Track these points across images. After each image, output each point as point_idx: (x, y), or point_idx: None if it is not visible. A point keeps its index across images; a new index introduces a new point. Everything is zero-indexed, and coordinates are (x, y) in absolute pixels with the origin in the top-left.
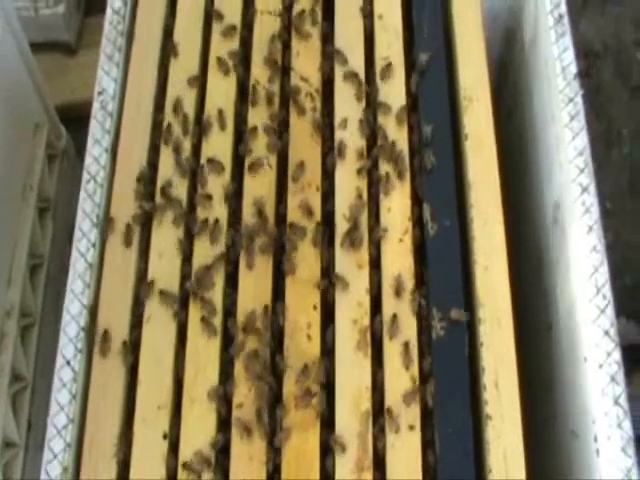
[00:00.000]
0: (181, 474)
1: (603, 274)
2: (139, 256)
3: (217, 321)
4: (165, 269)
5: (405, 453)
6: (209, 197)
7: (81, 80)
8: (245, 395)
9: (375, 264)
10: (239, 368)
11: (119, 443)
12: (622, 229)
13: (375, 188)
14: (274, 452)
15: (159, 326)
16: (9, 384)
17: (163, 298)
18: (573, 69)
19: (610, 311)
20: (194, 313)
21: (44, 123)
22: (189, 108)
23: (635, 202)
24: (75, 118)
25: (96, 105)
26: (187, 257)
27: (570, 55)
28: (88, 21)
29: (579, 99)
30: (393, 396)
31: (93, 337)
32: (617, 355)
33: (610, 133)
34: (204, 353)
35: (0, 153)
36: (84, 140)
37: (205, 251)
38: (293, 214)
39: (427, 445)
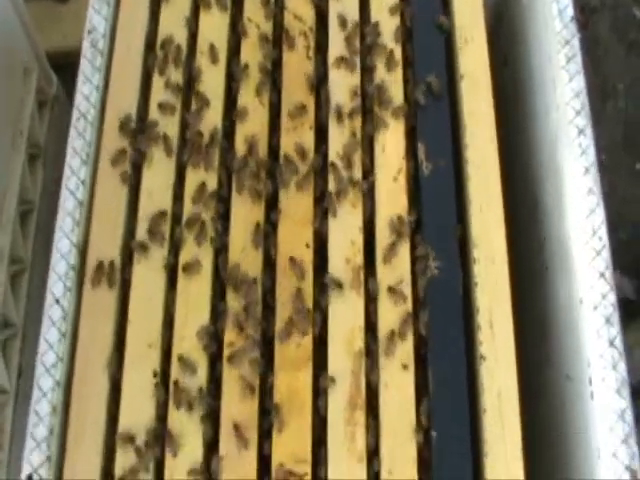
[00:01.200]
0: (171, 411)
1: (599, 216)
2: (130, 194)
3: (208, 261)
4: (155, 208)
5: (398, 392)
6: (200, 134)
7: (73, 27)
8: (236, 335)
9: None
10: (230, 306)
11: (109, 381)
12: (617, 183)
13: (369, 127)
14: (266, 392)
15: (149, 266)
16: None
17: (153, 237)
18: (570, 12)
19: (606, 253)
20: (184, 254)
21: (34, 69)
22: (181, 44)
23: (630, 156)
24: (67, 65)
25: (86, 44)
26: (178, 195)
27: None
28: None
29: (576, 42)
30: (386, 332)
31: (82, 276)
32: (612, 297)
33: (606, 87)
34: (195, 293)
35: None
36: (75, 87)
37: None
38: (287, 151)
39: (420, 385)
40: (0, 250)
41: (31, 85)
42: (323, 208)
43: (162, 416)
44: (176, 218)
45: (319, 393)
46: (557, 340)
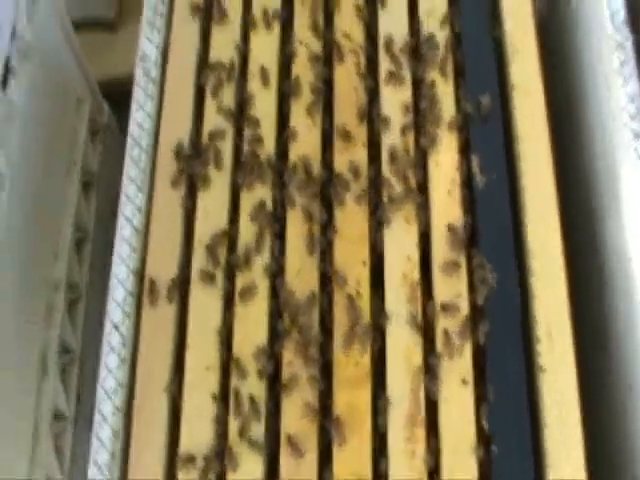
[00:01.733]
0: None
1: None
2: (186, 218)
3: (265, 283)
4: (213, 230)
5: (458, 408)
6: (255, 155)
7: (123, 55)
8: (294, 355)
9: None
10: (288, 327)
11: (169, 405)
12: None
13: (422, 141)
14: (326, 410)
15: (206, 288)
16: (58, 357)
17: (211, 260)
18: (622, 15)
19: None
20: (242, 276)
21: (86, 99)
22: (233, 67)
23: None
24: (117, 94)
25: (139, 71)
26: (234, 218)
27: (618, 2)
28: None
29: (629, 44)
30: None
31: (140, 302)
32: None
33: None
34: (253, 315)
35: (44, 129)
36: (127, 116)
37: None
38: (340, 170)
39: (480, 400)
40: (57, 278)
41: (84, 115)
42: (378, 224)
43: (223, 437)
44: (232, 240)
45: (378, 412)
46: (617, 350)
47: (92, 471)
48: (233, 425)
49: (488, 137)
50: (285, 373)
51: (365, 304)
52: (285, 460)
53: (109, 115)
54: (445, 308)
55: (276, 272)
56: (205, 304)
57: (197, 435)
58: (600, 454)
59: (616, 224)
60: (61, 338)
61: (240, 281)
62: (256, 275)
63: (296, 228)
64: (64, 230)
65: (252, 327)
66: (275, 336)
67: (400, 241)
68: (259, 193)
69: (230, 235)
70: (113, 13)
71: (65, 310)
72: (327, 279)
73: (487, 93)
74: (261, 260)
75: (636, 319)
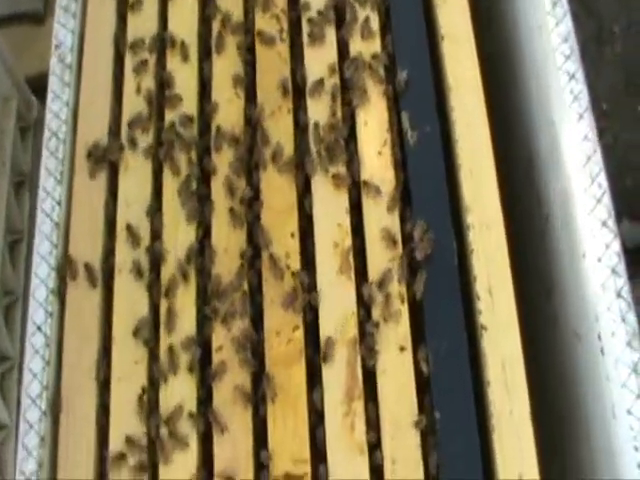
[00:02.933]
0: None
1: (597, 163)
2: (107, 207)
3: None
4: (134, 215)
5: (397, 377)
6: (178, 134)
7: (49, 48)
8: (223, 339)
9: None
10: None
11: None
12: (620, 130)
13: (350, 102)
14: (258, 388)
15: (131, 277)
16: None
17: (133, 246)
18: None
19: (607, 200)
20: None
21: (13, 96)
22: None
23: (632, 101)
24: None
25: (54, 59)
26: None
27: None
28: None
29: None
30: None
31: (63, 298)
32: (617, 246)
33: (602, 33)
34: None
35: None
36: None
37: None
38: (267, 136)
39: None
40: None
41: (11, 113)
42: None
43: (154, 430)
44: (156, 224)
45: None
46: (562, 298)
47: None
48: (164, 417)
49: (418, 91)
50: (215, 359)
51: (295, 277)
52: (219, 448)
53: (39, 110)
54: (380, 274)
55: (202, 252)
56: (130, 293)
57: (127, 431)
58: (550, 407)
59: (555, 168)
60: None
61: (165, 268)
62: (182, 259)
63: (220, 204)
64: None
65: (180, 314)
66: (205, 320)
67: (329, 208)
68: (182, 172)
69: (153, 219)
70: (42, 6)
71: (1, 315)
72: (256, 253)
73: (415, 46)
74: (187, 242)
75: (580, 267)
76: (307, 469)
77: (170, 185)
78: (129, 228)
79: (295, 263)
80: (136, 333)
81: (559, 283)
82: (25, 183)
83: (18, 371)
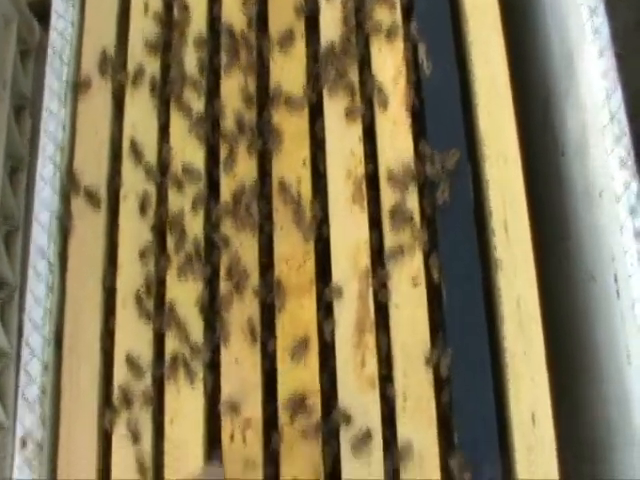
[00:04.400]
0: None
1: (617, 100)
2: (113, 123)
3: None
4: (142, 141)
5: (410, 311)
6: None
7: None
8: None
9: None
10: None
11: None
12: (633, 72)
13: (364, 35)
14: (268, 318)
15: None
16: None
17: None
18: None
19: (626, 140)
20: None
21: (13, 18)
22: None
23: None
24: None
25: None
26: (163, 126)
27: None
28: None
29: None
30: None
31: (67, 224)
32: (636, 186)
33: None
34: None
35: None
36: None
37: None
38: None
39: (433, 300)
40: None
41: (11, 35)
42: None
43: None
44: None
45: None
46: (578, 238)
47: (21, 407)
48: (172, 346)
49: (434, 23)
50: (223, 287)
51: (307, 205)
52: (227, 385)
53: (42, 35)
54: (393, 208)
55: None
56: (135, 218)
57: (133, 355)
58: (560, 346)
59: (574, 105)
60: None
61: (174, 197)
62: (194, 190)
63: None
64: None
65: (189, 236)
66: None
67: (342, 136)
68: (192, 106)
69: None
70: None
71: (1, 242)
72: (267, 181)
73: None
74: (199, 170)
75: (598, 207)
76: (317, 400)
77: (178, 113)
78: (134, 147)
79: (306, 191)
80: (142, 255)
81: (575, 224)
82: (26, 108)
83: (19, 299)
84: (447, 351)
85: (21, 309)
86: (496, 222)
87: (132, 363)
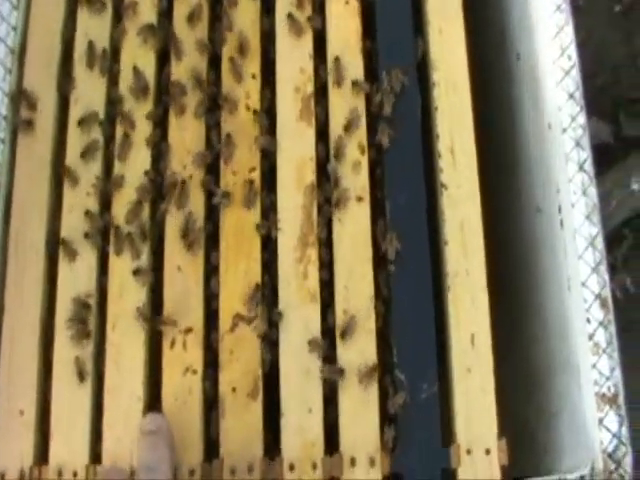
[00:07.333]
0: None
1: (568, 34)
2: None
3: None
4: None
5: (353, 226)
6: None
7: None
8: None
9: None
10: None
11: None
12: (595, 26)
13: None
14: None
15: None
16: None
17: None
18: None
19: (575, 73)
20: None
21: None
22: None
23: None
24: None
25: None
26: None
27: None
28: None
29: None
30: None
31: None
32: (582, 119)
33: None
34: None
35: None
36: None
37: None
38: None
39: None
40: None
41: None
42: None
43: None
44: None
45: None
46: (527, 171)
47: None
48: None
49: None
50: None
51: (254, 118)
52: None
53: None
54: (344, 122)
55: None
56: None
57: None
58: (507, 279)
59: (527, 37)
60: None
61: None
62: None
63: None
64: None
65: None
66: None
67: (292, 52)
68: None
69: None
70: None
71: None
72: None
73: None
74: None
75: (545, 138)
76: (257, 312)
77: (132, 20)
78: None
79: (254, 103)
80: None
81: (524, 155)
82: None
83: None
84: (389, 269)
85: None
86: (443, 145)
87: None
